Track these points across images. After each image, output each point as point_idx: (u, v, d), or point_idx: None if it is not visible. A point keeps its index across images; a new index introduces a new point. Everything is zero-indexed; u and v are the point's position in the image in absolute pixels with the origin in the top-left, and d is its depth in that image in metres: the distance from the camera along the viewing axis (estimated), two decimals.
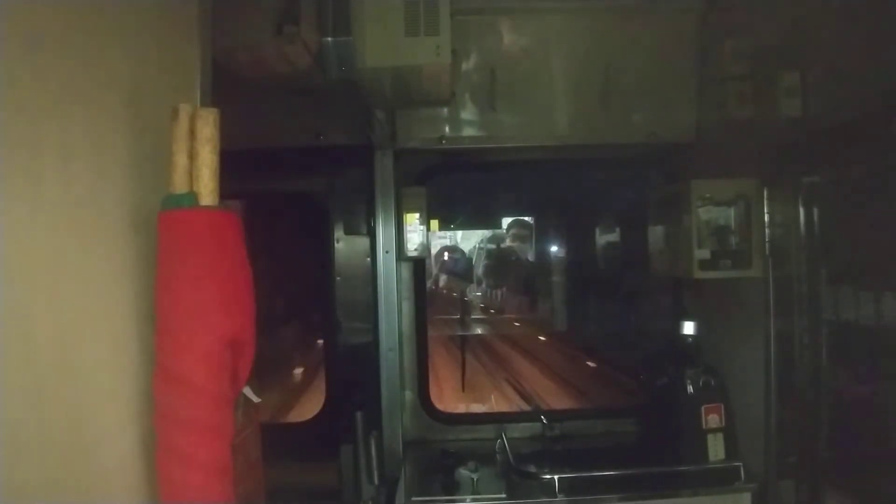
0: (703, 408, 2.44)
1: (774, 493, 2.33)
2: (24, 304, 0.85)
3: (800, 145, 2.18)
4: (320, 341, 3.65)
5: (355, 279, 2.98)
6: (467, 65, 2.76)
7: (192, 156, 1.03)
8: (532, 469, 2.52)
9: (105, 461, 1.01)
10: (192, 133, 1.03)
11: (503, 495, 2.42)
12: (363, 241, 2.97)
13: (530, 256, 6.29)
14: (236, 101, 1.50)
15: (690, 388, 2.47)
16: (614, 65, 2.75)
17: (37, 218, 0.88)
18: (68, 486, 0.91)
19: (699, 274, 2.44)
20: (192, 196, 1.03)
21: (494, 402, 4.88)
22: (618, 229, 4.65)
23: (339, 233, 3.01)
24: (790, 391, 2.26)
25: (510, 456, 2.62)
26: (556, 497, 2.37)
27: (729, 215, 2.47)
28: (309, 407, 3.61)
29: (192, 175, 1.03)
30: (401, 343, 2.89)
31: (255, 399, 1.20)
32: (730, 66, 2.45)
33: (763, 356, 2.35)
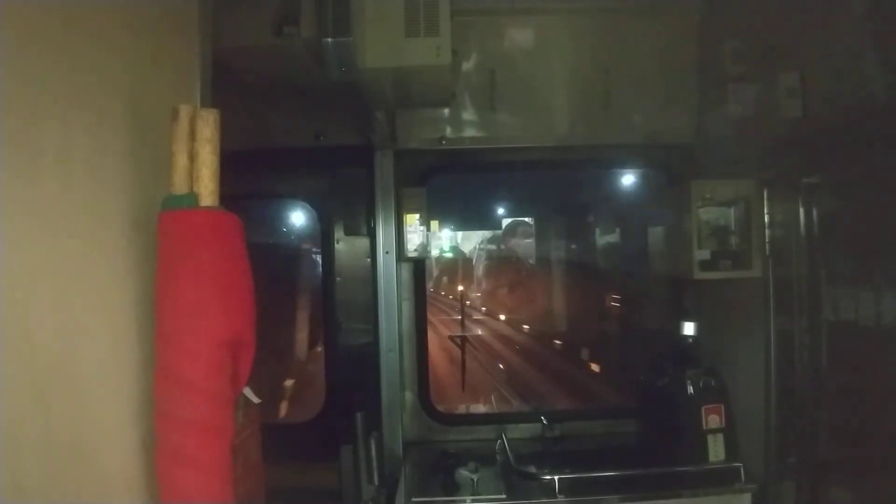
0: (703, 408, 2.44)
1: (774, 493, 2.33)
2: (24, 305, 0.85)
3: (800, 145, 2.18)
4: None
5: (355, 280, 2.98)
6: (468, 65, 2.76)
7: (192, 156, 1.03)
8: (532, 469, 2.52)
9: (105, 462, 1.00)
10: (192, 133, 1.03)
11: (503, 496, 2.41)
12: (363, 242, 2.97)
13: (531, 259, 6.28)
14: (236, 101, 1.51)
15: (691, 389, 2.47)
16: (614, 65, 2.76)
17: (37, 218, 0.88)
18: (68, 487, 0.91)
19: (699, 274, 2.44)
20: (193, 197, 1.03)
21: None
22: (618, 230, 4.65)
23: (339, 233, 3.01)
24: (790, 391, 2.26)
25: (510, 456, 2.61)
26: (556, 497, 2.36)
27: (729, 216, 2.47)
28: None
29: (192, 175, 1.03)
30: (401, 344, 2.89)
31: (256, 400, 1.20)
32: (730, 66, 2.45)
33: (763, 356, 2.35)
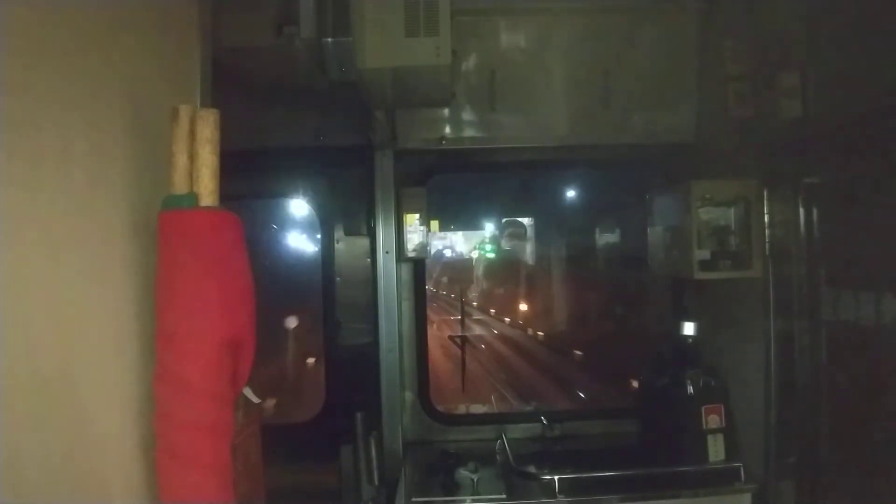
0: (703, 408, 2.44)
1: (774, 493, 2.33)
2: (24, 305, 0.85)
3: (800, 145, 2.18)
4: None
5: (355, 280, 2.99)
6: (467, 65, 2.76)
7: (192, 156, 1.03)
8: (532, 469, 2.52)
9: (105, 461, 1.00)
10: (192, 133, 1.03)
11: (503, 496, 2.41)
12: (363, 242, 2.97)
13: (529, 259, 6.27)
14: (236, 101, 1.51)
15: (691, 389, 2.47)
16: (614, 65, 2.76)
17: (37, 219, 0.88)
18: (69, 487, 0.91)
19: (699, 274, 2.44)
20: (193, 197, 1.03)
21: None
22: (617, 230, 4.65)
23: (339, 233, 3.01)
24: (790, 391, 2.26)
25: (510, 456, 2.61)
26: (556, 497, 2.36)
27: (729, 216, 2.47)
28: None
29: (192, 176, 1.03)
30: (401, 344, 2.89)
31: (255, 399, 1.20)
32: (730, 66, 2.45)
33: (763, 356, 2.35)
